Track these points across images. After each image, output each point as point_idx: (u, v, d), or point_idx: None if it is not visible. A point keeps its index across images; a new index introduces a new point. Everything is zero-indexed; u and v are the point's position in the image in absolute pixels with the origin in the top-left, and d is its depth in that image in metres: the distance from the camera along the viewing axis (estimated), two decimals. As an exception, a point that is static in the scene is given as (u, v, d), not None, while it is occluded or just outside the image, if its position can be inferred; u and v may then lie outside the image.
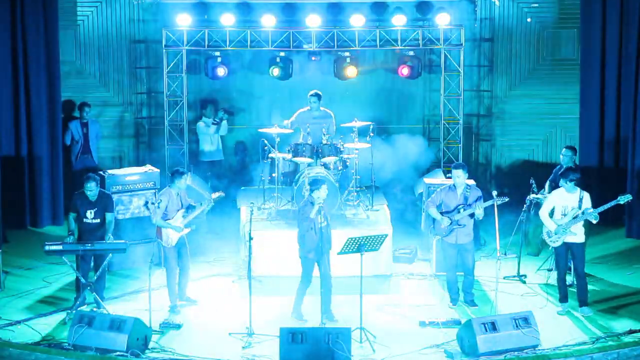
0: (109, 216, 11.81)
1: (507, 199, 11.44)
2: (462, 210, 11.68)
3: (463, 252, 11.84)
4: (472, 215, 11.74)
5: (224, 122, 16.06)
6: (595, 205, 11.42)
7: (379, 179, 14.79)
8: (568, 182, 11.41)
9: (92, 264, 11.79)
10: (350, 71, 15.92)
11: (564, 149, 13.13)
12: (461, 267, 11.97)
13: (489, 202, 11.52)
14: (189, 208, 11.82)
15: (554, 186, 12.60)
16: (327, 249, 11.21)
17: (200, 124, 16.03)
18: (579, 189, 11.46)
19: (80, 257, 11.64)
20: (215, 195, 11.96)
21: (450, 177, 12.61)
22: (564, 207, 11.46)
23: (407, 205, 15.11)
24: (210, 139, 15.99)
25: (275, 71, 15.96)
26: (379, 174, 14.64)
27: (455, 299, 11.96)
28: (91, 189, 11.67)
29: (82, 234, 11.76)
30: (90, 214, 11.72)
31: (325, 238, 11.15)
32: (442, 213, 11.79)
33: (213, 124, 15.92)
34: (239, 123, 16.77)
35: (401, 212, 14.93)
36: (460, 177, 11.75)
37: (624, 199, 11.33)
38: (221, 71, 15.92)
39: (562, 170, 12.01)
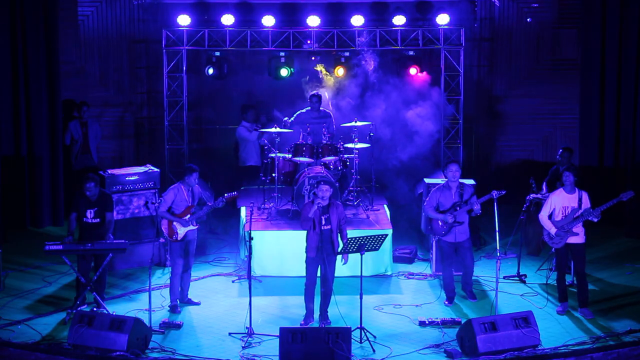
0: (108, 215, 11.80)
1: (504, 192, 11.43)
2: (458, 207, 11.69)
3: (461, 249, 11.86)
4: (469, 212, 11.77)
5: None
6: (596, 204, 11.41)
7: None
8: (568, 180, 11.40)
9: (92, 263, 11.79)
10: (340, 71, 15.91)
11: (561, 150, 13.11)
12: (461, 265, 11.98)
13: (487, 197, 11.53)
14: (201, 204, 11.82)
15: (552, 186, 12.60)
16: (328, 252, 11.14)
17: (242, 129, 15.82)
18: (577, 189, 11.46)
19: (81, 256, 11.65)
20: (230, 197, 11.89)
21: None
22: (564, 208, 11.47)
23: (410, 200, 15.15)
24: (253, 144, 15.83)
25: (284, 72, 15.93)
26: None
27: (451, 297, 11.96)
28: (90, 189, 11.66)
29: (82, 233, 11.75)
30: (90, 213, 11.71)
31: (325, 240, 11.12)
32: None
33: (255, 129, 15.71)
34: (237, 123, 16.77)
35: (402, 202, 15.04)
36: (454, 172, 11.75)
37: (626, 195, 11.30)
38: (211, 72, 15.92)
39: (562, 171, 11.93)
